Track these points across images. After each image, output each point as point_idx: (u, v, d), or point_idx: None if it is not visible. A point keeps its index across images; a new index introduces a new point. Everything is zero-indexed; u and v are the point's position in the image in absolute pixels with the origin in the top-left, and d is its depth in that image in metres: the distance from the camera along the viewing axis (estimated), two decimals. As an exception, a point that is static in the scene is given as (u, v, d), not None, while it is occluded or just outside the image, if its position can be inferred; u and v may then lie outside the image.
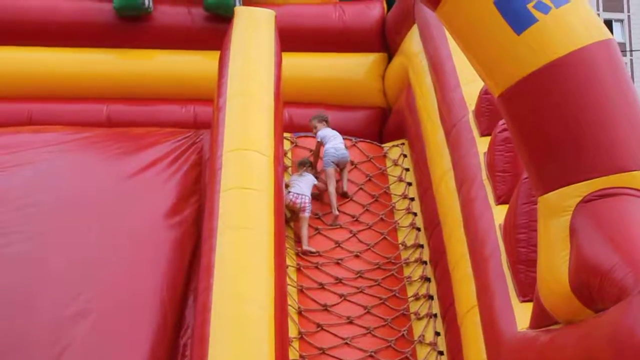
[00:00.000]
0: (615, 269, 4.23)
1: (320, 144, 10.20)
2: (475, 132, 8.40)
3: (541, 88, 4.79)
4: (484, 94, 8.33)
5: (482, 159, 8.01)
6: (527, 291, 6.34)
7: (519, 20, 4.82)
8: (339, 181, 10.02)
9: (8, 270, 8.34)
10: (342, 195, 9.95)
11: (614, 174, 4.60)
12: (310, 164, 10.05)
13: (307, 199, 9.59)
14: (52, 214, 8.98)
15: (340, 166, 10.06)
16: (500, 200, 7.48)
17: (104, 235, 8.79)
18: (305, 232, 9.41)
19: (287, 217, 9.45)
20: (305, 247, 9.34)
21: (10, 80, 11.53)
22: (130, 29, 11.72)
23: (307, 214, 9.53)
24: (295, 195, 9.56)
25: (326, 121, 10.48)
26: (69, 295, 8.15)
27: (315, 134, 10.34)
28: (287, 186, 9.65)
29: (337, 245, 9.43)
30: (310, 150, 10.41)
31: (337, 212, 9.74)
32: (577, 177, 4.65)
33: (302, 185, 9.67)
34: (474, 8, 4.94)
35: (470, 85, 8.77)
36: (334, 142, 10.09)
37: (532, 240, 6.29)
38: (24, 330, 7.82)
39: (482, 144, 8.14)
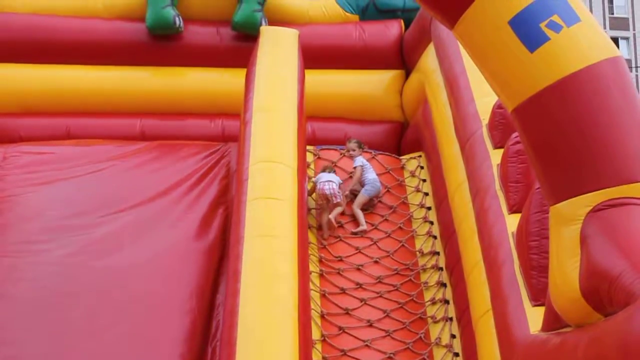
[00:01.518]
0: (623, 275, 4.21)
1: (361, 169, 10.16)
2: (489, 144, 8.38)
3: (553, 103, 4.78)
4: (497, 108, 8.32)
5: (495, 171, 7.99)
6: (539, 296, 6.31)
7: (532, 39, 4.81)
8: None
9: (47, 276, 8.38)
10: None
11: (623, 185, 4.58)
12: (333, 170, 10.09)
13: (335, 186, 9.70)
14: (91, 224, 9.02)
15: (373, 198, 10.08)
16: (512, 210, 7.45)
17: (138, 245, 8.82)
18: (334, 216, 9.58)
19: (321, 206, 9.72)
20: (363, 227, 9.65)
21: (49, 96, 11.57)
22: (162, 47, 11.75)
23: (339, 199, 9.65)
24: (322, 183, 9.71)
25: (362, 148, 10.51)
26: (102, 302, 8.17)
27: (352, 155, 10.40)
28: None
29: (357, 251, 9.42)
30: (332, 162, 10.42)
31: (365, 227, 9.74)
32: (587, 187, 4.64)
33: (329, 177, 9.81)
34: (489, 27, 4.93)
35: (483, 99, 8.75)
36: (373, 174, 10.13)
37: (544, 247, 6.28)
38: (60, 335, 7.83)
39: (496, 156, 8.12)
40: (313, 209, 9.84)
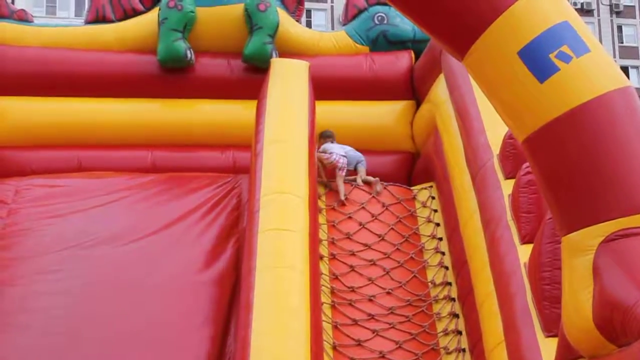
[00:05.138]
0: (637, 305, 4.19)
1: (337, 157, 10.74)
2: (500, 175, 8.38)
3: (563, 133, 4.77)
4: (508, 138, 8.33)
5: (506, 201, 7.98)
6: (552, 326, 6.30)
7: (542, 69, 4.81)
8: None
9: (59, 307, 8.41)
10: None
11: (635, 214, 4.56)
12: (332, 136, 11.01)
13: (345, 161, 10.64)
14: (102, 255, 9.06)
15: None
16: (524, 240, 7.45)
17: (149, 275, 8.86)
18: (342, 187, 10.44)
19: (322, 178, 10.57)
20: (342, 198, 10.37)
21: (60, 129, 11.63)
22: (173, 79, 11.82)
23: (343, 173, 10.55)
24: (338, 155, 10.61)
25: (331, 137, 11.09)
26: (113, 332, 8.19)
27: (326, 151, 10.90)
28: (324, 151, 10.70)
29: (370, 282, 9.41)
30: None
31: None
32: (599, 217, 4.62)
33: (340, 150, 10.76)
34: (499, 58, 4.94)
35: (494, 130, 8.77)
36: (341, 150, 10.88)
37: (556, 277, 6.26)
38: None
39: (507, 187, 8.12)
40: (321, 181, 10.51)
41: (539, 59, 4.82)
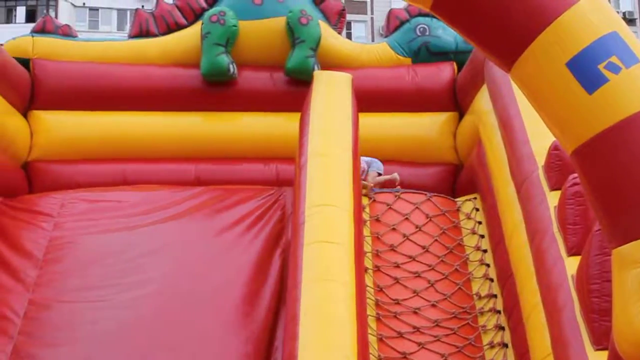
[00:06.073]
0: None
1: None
2: (545, 186, 8.32)
3: (613, 145, 4.73)
4: (554, 149, 8.27)
5: (552, 212, 7.92)
6: (601, 339, 6.23)
7: (591, 81, 4.78)
8: None
9: (105, 321, 8.46)
10: None
11: (687, 227, 4.52)
12: None
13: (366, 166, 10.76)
14: (148, 268, 9.12)
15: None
16: (571, 252, 7.38)
17: (193, 289, 8.89)
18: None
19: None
20: None
21: (105, 142, 11.72)
22: (216, 93, 11.88)
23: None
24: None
25: None
26: (159, 346, 8.23)
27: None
28: None
29: (415, 294, 9.37)
30: (387, 205, 10.44)
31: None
32: (650, 229, 4.58)
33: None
34: (547, 69, 4.91)
35: (539, 141, 8.71)
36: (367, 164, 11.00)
37: (605, 290, 6.20)
38: None
39: (553, 198, 8.06)
40: None
41: (587, 70, 4.78)
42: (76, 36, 12.30)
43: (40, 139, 11.62)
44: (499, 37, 5.02)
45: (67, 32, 12.13)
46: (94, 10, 53.93)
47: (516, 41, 4.94)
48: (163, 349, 8.18)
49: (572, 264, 7.18)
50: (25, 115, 11.65)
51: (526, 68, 5.00)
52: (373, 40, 49.07)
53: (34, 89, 11.70)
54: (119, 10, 53.84)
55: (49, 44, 11.91)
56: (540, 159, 8.57)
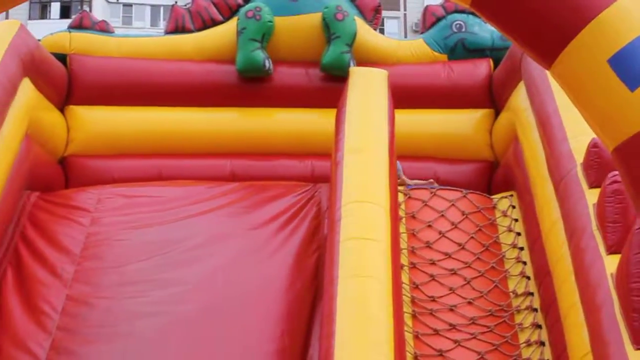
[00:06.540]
0: None
1: None
2: (584, 184, 8.27)
3: (655, 142, 4.70)
4: (592, 147, 8.22)
5: (591, 210, 7.87)
6: (641, 339, 6.19)
7: (633, 78, 4.74)
8: None
9: (143, 317, 8.51)
10: None
11: None
12: None
13: None
14: (184, 265, 9.15)
15: None
16: (611, 250, 7.32)
17: (230, 283, 8.92)
18: None
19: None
20: None
21: (141, 138, 11.77)
22: (252, 88, 11.89)
23: None
24: None
25: None
26: (195, 342, 8.25)
27: None
28: None
29: (451, 291, 9.35)
30: (423, 201, 10.41)
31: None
32: (694, 228, 4.55)
33: None
34: (588, 66, 4.88)
35: (577, 138, 8.67)
36: None
37: (646, 288, 6.17)
38: None
39: (591, 196, 8.00)
40: None
41: (629, 67, 4.75)
42: (113, 32, 12.37)
43: (77, 134, 11.69)
44: (540, 34, 4.99)
45: (104, 28, 12.20)
46: (127, 6, 54.26)
47: (557, 38, 4.91)
48: (201, 345, 8.21)
49: (611, 263, 7.12)
50: (62, 110, 11.73)
51: (567, 65, 4.97)
52: (405, 37, 48.99)
53: (71, 85, 11.77)
54: (152, 6, 54.14)
55: (86, 40, 11.98)
56: (579, 156, 8.52)
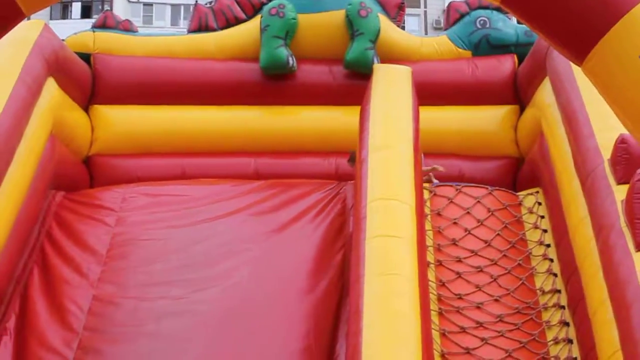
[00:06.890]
0: None
1: None
2: (612, 180, 8.20)
3: (689, 138, 4.66)
4: (620, 143, 8.15)
5: (619, 207, 7.80)
6: (672, 337, 6.13)
7: (665, 73, 4.70)
8: None
9: (168, 317, 8.52)
10: None
11: None
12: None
13: None
14: (209, 263, 9.15)
15: None
16: (640, 247, 7.28)
17: (256, 282, 8.91)
18: None
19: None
20: None
21: (165, 137, 11.79)
22: (275, 86, 11.88)
23: None
24: None
25: None
26: (220, 341, 8.25)
27: None
28: None
29: (477, 289, 9.29)
30: (448, 198, 10.37)
31: None
32: None
33: None
34: (620, 61, 4.84)
35: (604, 134, 8.59)
36: None
37: (676, 287, 6.11)
38: None
39: (619, 192, 7.93)
40: None
41: (662, 62, 4.71)
42: (136, 31, 12.40)
43: (101, 133, 11.72)
44: (571, 31, 4.95)
45: (127, 27, 12.23)
46: (148, 5, 54.42)
47: (589, 33, 4.87)
48: (226, 344, 8.20)
49: (641, 260, 7.07)
50: (86, 109, 11.76)
51: (599, 61, 4.92)
52: (426, 34, 48.89)
53: (95, 84, 11.80)
54: (172, 5, 54.26)
55: (109, 39, 12.01)
56: (606, 152, 8.45)
